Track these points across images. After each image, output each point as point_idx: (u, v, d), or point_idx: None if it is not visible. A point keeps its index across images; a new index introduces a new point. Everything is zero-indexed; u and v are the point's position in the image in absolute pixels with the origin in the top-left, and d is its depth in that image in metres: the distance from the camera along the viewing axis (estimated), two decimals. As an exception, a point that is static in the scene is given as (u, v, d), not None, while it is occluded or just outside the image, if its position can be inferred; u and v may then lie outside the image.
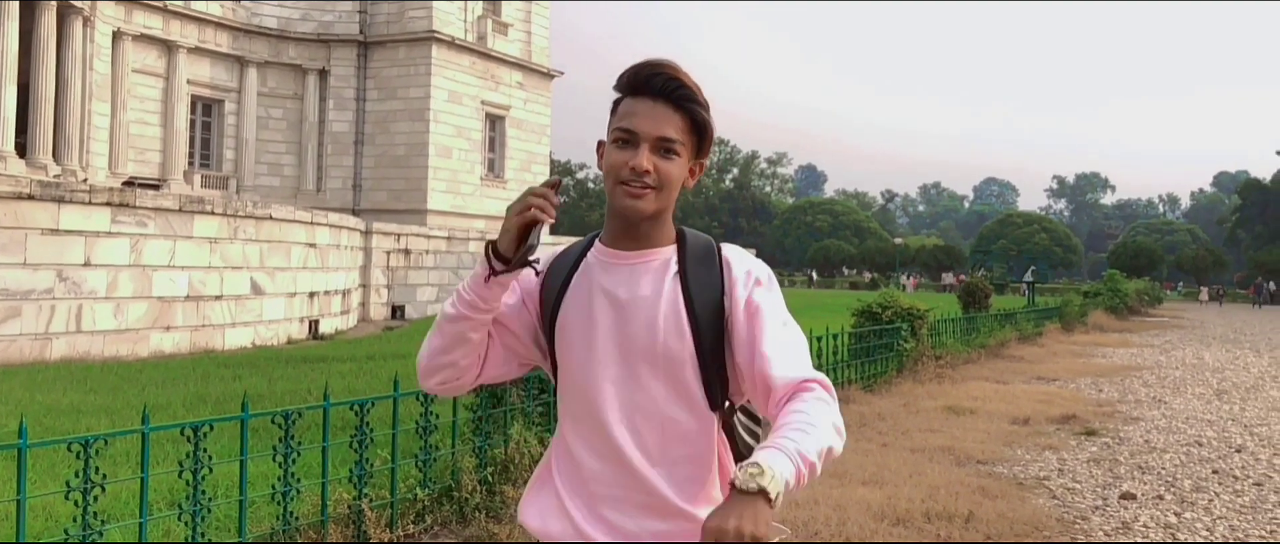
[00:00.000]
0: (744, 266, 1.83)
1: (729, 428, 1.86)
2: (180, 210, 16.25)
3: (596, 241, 1.88)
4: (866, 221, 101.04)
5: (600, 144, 1.85)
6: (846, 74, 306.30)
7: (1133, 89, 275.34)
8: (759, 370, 1.72)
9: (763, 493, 1.46)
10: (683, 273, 1.79)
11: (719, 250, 1.85)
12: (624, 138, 1.77)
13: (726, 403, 1.83)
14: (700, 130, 1.81)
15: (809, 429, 1.59)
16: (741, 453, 1.86)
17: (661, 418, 1.78)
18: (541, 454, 6.13)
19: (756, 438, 1.90)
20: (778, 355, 1.72)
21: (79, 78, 28.31)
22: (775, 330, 1.75)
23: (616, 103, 1.82)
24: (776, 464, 1.50)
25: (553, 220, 1.71)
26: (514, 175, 38.64)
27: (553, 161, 49.79)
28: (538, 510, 1.87)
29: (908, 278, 78.26)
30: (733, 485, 1.48)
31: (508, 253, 1.72)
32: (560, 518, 1.83)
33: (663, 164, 1.76)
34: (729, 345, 1.78)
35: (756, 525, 1.43)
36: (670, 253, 1.82)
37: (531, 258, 1.73)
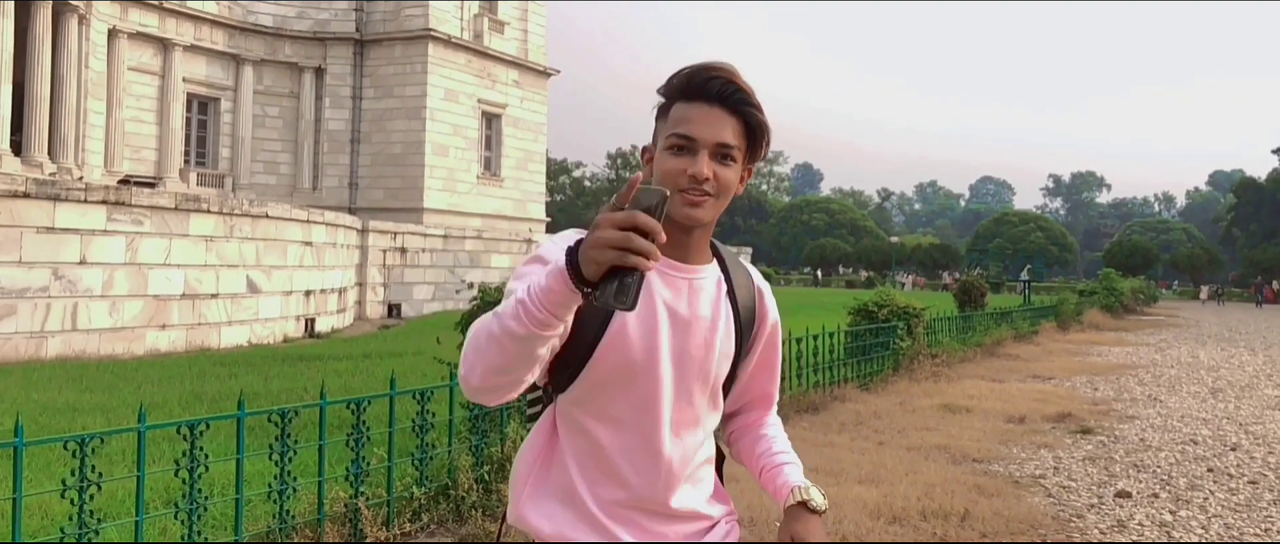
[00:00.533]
0: (771, 303, 1.96)
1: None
2: (176, 208, 16.24)
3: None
4: (862, 220, 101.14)
5: (646, 151, 1.82)
6: (843, 72, 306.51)
7: (1128, 88, 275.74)
8: (763, 393, 2.03)
9: (823, 513, 1.91)
10: (731, 293, 1.85)
11: (751, 277, 1.95)
12: (681, 145, 1.72)
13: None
14: (754, 134, 1.77)
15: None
16: (717, 446, 2.00)
17: (699, 430, 1.85)
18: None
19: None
20: (776, 392, 2.06)
21: (74, 76, 28.26)
22: (776, 368, 2.03)
23: (665, 107, 1.78)
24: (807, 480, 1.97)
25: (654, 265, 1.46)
26: (510, 173, 38.62)
27: (549, 160, 49.77)
28: (545, 512, 1.79)
29: (908, 277, 78.44)
30: (807, 507, 1.91)
31: (588, 276, 1.45)
32: (584, 524, 1.78)
33: (721, 171, 1.72)
34: (744, 365, 1.93)
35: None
36: (716, 271, 1.85)
37: (623, 303, 1.46)
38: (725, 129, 1.71)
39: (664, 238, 1.44)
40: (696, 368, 1.78)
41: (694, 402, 1.80)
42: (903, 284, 71.32)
